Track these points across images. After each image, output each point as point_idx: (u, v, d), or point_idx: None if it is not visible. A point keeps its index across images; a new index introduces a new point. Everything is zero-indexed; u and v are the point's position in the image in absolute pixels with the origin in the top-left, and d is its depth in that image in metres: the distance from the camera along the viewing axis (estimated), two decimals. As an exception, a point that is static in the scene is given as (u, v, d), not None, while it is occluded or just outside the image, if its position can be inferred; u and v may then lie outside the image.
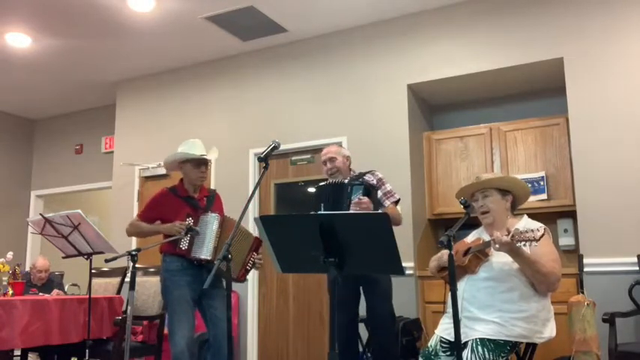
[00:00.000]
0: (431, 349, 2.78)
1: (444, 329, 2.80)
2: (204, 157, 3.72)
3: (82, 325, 3.94)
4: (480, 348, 2.56)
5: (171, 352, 3.49)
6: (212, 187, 5.63)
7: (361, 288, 3.81)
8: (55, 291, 4.95)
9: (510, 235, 2.51)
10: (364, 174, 3.93)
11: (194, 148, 3.74)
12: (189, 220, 3.58)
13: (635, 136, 4.21)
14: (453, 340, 2.53)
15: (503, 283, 2.69)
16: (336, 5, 5.02)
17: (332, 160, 3.91)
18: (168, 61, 6.21)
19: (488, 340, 2.58)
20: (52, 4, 4.93)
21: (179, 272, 3.60)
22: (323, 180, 3.96)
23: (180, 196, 3.72)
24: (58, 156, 7.89)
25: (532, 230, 2.46)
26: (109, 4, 4.96)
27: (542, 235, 2.44)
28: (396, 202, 3.92)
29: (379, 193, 3.86)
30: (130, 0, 4.88)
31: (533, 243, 2.47)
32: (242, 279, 3.64)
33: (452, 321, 2.30)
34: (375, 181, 3.88)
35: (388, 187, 3.92)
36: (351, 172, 3.99)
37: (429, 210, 5.14)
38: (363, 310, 3.83)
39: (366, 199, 3.59)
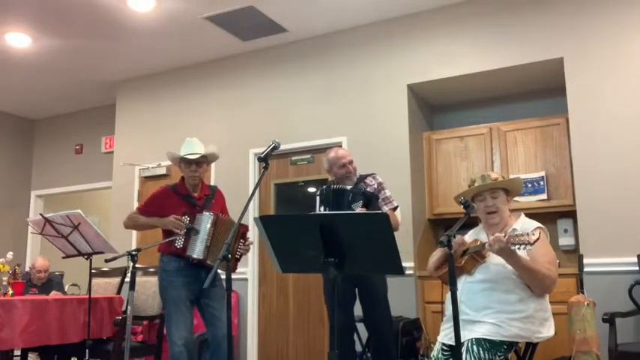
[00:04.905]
0: (434, 359, 2.77)
1: (444, 335, 2.78)
2: (187, 156, 3.69)
3: (82, 325, 3.94)
4: (475, 347, 2.56)
5: (169, 352, 3.49)
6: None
7: (357, 290, 3.79)
8: (53, 292, 4.94)
9: (505, 237, 2.51)
10: (365, 177, 3.92)
11: (185, 146, 3.76)
12: (186, 218, 3.59)
13: (635, 136, 4.21)
14: (452, 344, 2.53)
15: (500, 285, 2.69)
16: (337, 5, 5.02)
17: (352, 162, 3.88)
18: (168, 61, 6.21)
19: (484, 339, 2.58)
20: (52, 4, 4.93)
21: (176, 272, 3.60)
22: (323, 180, 3.96)
23: (180, 193, 3.74)
24: (58, 156, 7.88)
25: (527, 234, 2.46)
26: (109, 4, 4.96)
27: (537, 239, 2.43)
28: (394, 209, 3.89)
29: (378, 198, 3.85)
30: (129, 0, 4.88)
31: (528, 247, 2.47)
32: (233, 270, 3.64)
33: (451, 324, 2.29)
34: (375, 185, 3.87)
35: (387, 192, 3.90)
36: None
37: (429, 210, 5.14)
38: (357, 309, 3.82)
39: (364, 210, 3.61)
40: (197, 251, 3.55)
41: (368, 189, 3.84)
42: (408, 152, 4.98)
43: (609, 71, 4.36)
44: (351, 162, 3.87)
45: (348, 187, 3.76)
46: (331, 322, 2.17)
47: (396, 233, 2.16)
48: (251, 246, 3.77)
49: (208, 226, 3.59)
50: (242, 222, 3.46)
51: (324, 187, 3.90)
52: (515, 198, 3.04)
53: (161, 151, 6.17)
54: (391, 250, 2.13)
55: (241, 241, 3.65)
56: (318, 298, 5.27)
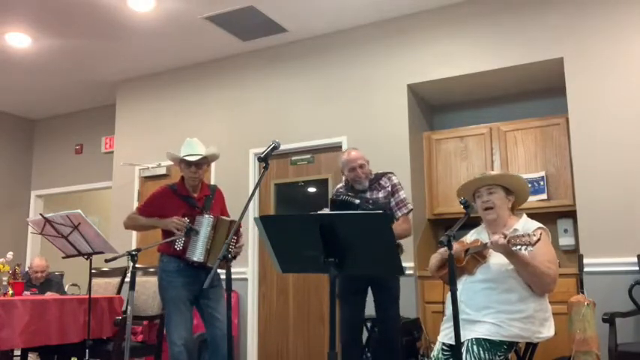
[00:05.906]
0: (434, 359, 2.77)
1: (444, 335, 2.79)
2: (187, 157, 3.68)
3: (82, 325, 3.94)
4: (475, 347, 2.56)
5: (169, 352, 3.50)
6: (212, 187, 5.61)
7: (370, 288, 3.77)
8: (49, 293, 4.93)
9: (507, 238, 2.52)
10: (380, 177, 3.88)
11: (185, 147, 3.75)
12: (186, 220, 3.59)
13: (635, 136, 4.21)
14: (452, 343, 2.53)
15: (500, 284, 2.69)
16: (336, 5, 5.02)
17: (363, 166, 3.81)
18: (168, 61, 6.21)
19: (484, 339, 2.58)
20: (52, 4, 4.93)
21: (176, 272, 3.61)
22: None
23: (180, 194, 3.73)
24: (58, 156, 7.88)
25: (528, 234, 2.46)
26: (109, 4, 4.96)
27: (538, 239, 2.44)
28: (408, 212, 3.83)
29: (392, 202, 3.81)
30: (129, 0, 4.88)
31: (529, 247, 2.48)
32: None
33: (451, 323, 2.29)
34: (389, 187, 3.83)
35: (402, 195, 3.84)
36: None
37: (429, 210, 5.14)
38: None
39: None
40: (197, 254, 3.56)
41: (382, 192, 3.80)
42: (408, 152, 4.98)
43: (609, 71, 4.36)
44: (361, 166, 3.80)
45: (357, 202, 3.67)
46: (331, 320, 2.16)
47: (396, 233, 2.15)
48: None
49: (209, 229, 3.59)
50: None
51: (337, 191, 3.87)
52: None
53: (161, 151, 6.17)
54: (391, 250, 2.13)
55: (234, 238, 3.63)
56: (318, 298, 5.27)
